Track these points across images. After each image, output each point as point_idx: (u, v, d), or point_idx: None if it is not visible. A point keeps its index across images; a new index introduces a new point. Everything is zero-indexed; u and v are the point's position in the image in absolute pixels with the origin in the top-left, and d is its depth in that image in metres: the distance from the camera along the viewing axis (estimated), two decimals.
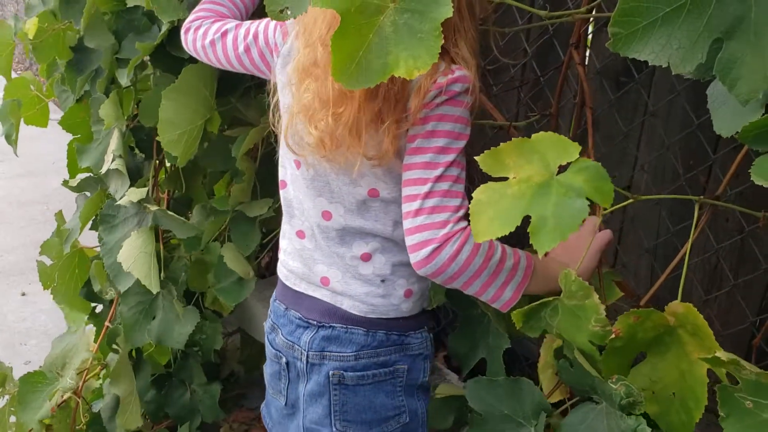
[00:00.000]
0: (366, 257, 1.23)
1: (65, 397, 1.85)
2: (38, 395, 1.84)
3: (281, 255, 1.36)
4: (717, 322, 1.62)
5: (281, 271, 1.36)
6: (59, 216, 2.03)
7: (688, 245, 1.03)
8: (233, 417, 2.23)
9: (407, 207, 1.10)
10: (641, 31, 0.80)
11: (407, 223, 1.10)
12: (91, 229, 1.91)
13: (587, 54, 1.70)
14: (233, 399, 2.28)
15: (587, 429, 1.05)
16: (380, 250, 1.23)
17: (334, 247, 1.25)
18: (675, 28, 0.79)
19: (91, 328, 1.95)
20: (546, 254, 0.94)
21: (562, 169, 0.95)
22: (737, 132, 0.86)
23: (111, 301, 1.89)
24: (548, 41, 1.76)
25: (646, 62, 0.97)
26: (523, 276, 1.12)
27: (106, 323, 1.82)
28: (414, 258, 1.09)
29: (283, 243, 1.35)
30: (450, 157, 1.09)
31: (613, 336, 0.99)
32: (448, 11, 0.89)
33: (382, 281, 1.24)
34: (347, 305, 1.25)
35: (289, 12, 1.07)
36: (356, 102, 1.10)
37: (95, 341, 1.85)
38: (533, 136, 0.97)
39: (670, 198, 1.66)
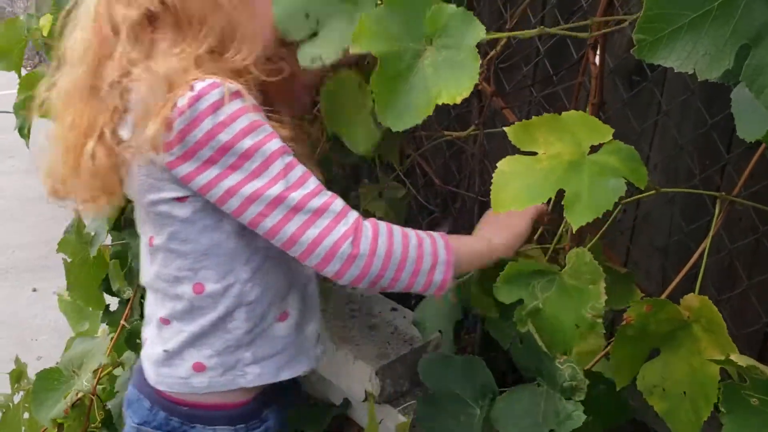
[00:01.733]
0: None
1: (79, 395, 1.86)
2: (53, 393, 1.85)
3: None
4: (730, 322, 1.62)
5: None
6: (77, 213, 2.04)
7: (708, 241, 1.04)
8: None
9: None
10: (667, 38, 0.80)
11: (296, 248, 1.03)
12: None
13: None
14: None
15: (521, 410, 1.04)
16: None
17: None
18: (701, 34, 0.78)
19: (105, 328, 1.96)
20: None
21: (593, 149, 0.95)
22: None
23: (127, 301, 1.90)
24: (561, 39, 1.76)
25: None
26: (447, 254, 1.07)
27: (122, 322, 1.83)
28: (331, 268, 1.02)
29: None
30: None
31: (624, 323, 0.98)
32: (481, 31, 0.92)
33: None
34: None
35: (322, 60, 1.08)
36: None
37: (111, 340, 1.86)
38: (564, 114, 0.96)
39: (683, 197, 1.66)
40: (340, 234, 1.01)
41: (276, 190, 1.00)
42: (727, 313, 1.63)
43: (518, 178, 0.94)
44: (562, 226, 1.12)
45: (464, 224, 2.18)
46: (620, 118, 1.73)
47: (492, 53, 1.35)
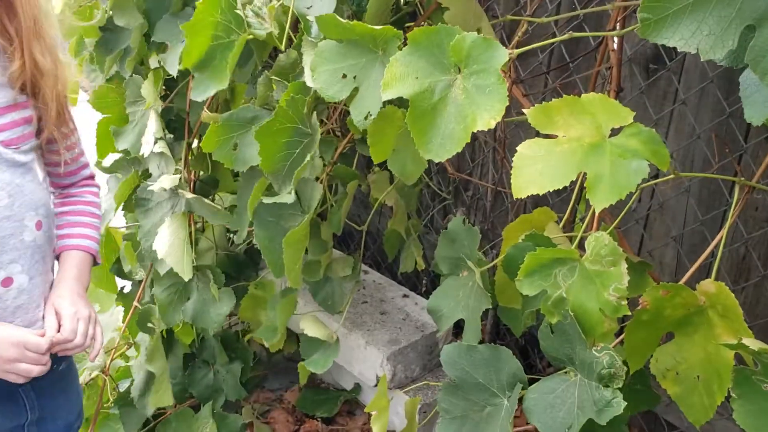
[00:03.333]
0: None
1: (93, 375, 1.87)
2: None
3: None
4: (744, 312, 1.60)
5: None
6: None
7: (725, 230, 1.02)
8: (254, 398, 2.26)
9: None
10: (671, 17, 0.80)
11: None
12: (123, 210, 1.93)
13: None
14: (255, 380, 2.30)
15: (555, 399, 1.02)
16: None
17: None
18: (706, 14, 0.78)
19: (119, 309, 1.97)
20: None
21: (613, 132, 0.94)
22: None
23: (140, 281, 1.91)
24: (578, 26, 1.74)
25: (677, 49, 0.97)
26: None
27: (135, 303, 1.84)
28: None
29: None
30: None
31: (639, 308, 0.97)
32: (504, 55, 0.95)
33: None
34: None
35: (371, 115, 1.12)
36: None
37: (123, 321, 1.87)
38: (583, 96, 0.95)
39: (699, 186, 1.64)
40: None
41: None
42: (741, 302, 1.62)
43: (538, 161, 0.93)
44: (588, 214, 1.10)
45: (477, 212, 2.17)
46: (637, 106, 1.71)
47: (513, 41, 1.35)
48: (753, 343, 0.86)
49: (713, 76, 1.54)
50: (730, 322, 0.95)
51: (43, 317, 1.30)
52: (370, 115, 1.12)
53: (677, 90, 1.65)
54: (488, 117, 0.93)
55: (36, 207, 1.29)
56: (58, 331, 1.27)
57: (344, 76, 1.15)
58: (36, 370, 1.22)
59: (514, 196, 0.93)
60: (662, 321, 0.99)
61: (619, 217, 1.11)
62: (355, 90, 1.14)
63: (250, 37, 1.29)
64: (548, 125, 0.95)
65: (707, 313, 0.97)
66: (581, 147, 0.92)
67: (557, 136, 0.95)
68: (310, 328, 1.71)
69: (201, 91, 1.35)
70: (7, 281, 1.24)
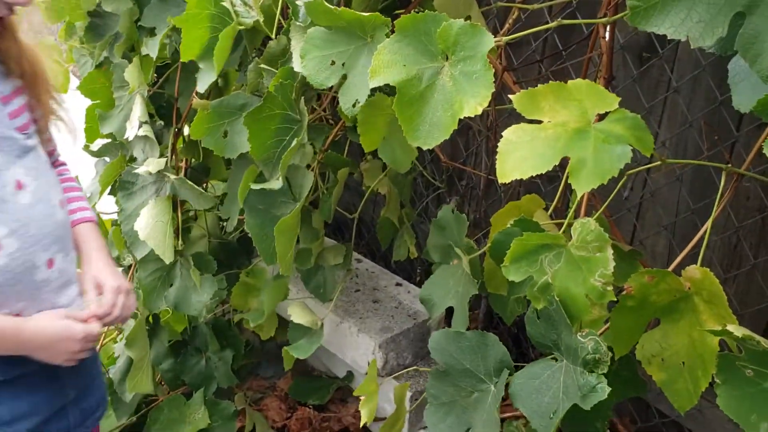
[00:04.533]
0: None
1: None
2: None
3: None
4: (735, 301, 1.61)
5: None
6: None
7: (712, 218, 1.02)
8: (247, 385, 2.26)
9: None
10: (660, 5, 0.80)
11: None
12: (109, 194, 1.92)
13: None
14: (248, 368, 2.30)
15: (541, 384, 1.03)
16: None
17: None
18: (695, 1, 0.78)
19: None
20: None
21: (599, 118, 0.94)
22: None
23: (129, 267, 1.91)
24: (571, 14, 1.73)
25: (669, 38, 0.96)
26: None
27: None
28: None
29: None
30: None
31: (624, 293, 0.97)
32: (490, 41, 0.95)
33: None
34: None
35: (359, 102, 1.13)
36: None
37: None
38: (570, 82, 0.95)
39: (691, 175, 1.64)
40: None
41: None
42: (732, 291, 1.62)
43: (523, 146, 0.93)
44: (576, 201, 1.10)
45: (470, 201, 2.17)
46: (629, 94, 1.71)
47: (504, 29, 1.34)
48: (737, 330, 0.86)
49: (706, 64, 1.54)
50: (716, 308, 0.95)
51: (80, 293, 1.31)
52: (358, 102, 1.12)
53: (670, 78, 1.64)
54: (474, 103, 0.93)
55: (55, 186, 1.30)
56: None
57: (333, 63, 1.15)
58: (86, 353, 1.25)
59: (499, 181, 0.93)
60: (648, 307, 0.99)
61: (606, 202, 1.11)
62: (344, 77, 1.14)
63: (241, 27, 1.29)
64: (534, 111, 0.95)
65: (693, 300, 0.97)
66: (566, 132, 0.92)
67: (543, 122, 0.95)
68: (296, 315, 1.72)
69: (205, 81, 1.36)
70: (51, 262, 1.24)
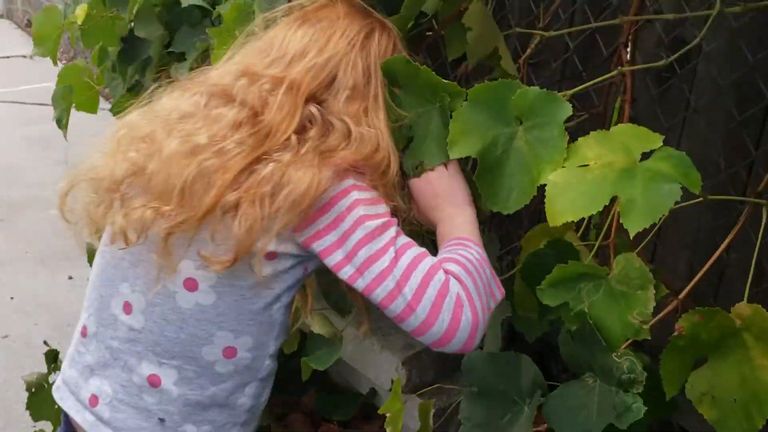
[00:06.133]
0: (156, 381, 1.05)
1: None
2: None
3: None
4: None
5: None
6: None
7: (730, 238, 1.03)
8: (272, 401, 2.28)
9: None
10: None
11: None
12: None
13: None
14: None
15: (576, 404, 1.03)
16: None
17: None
18: None
19: None
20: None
21: (644, 157, 0.95)
22: None
23: None
24: (590, 36, 1.76)
25: (688, 58, 0.98)
26: (482, 255, 1.05)
27: None
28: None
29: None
30: None
31: (675, 334, 0.97)
32: (568, 109, 0.98)
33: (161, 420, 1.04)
34: None
35: (424, 167, 1.12)
36: None
37: None
38: (612, 128, 0.98)
39: (710, 193, 1.65)
40: None
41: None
42: None
43: (571, 188, 0.94)
44: (606, 223, 1.12)
45: (492, 218, 2.19)
46: (649, 115, 1.73)
47: (527, 53, 1.37)
48: None
49: (724, 85, 1.56)
50: (767, 344, 0.95)
51: None
52: (423, 167, 1.12)
53: (689, 99, 1.66)
54: (550, 169, 0.96)
55: None
56: None
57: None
58: None
59: (550, 224, 0.94)
60: (697, 345, 0.99)
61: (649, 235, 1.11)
62: (409, 139, 1.14)
63: None
64: (581, 161, 0.97)
65: (742, 336, 0.97)
66: (612, 172, 0.93)
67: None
68: (317, 326, 1.74)
69: None
70: None
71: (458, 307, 0.97)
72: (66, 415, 1.13)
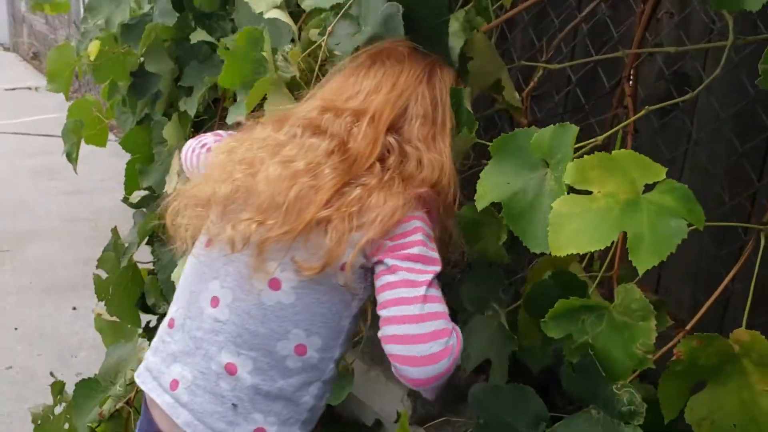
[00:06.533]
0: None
1: (118, 406, 1.91)
2: (91, 401, 1.91)
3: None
4: None
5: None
6: (115, 231, 2.11)
7: (736, 269, 1.04)
8: None
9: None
10: None
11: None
12: (146, 244, 1.99)
13: None
14: None
15: None
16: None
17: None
18: None
19: (143, 341, 2.02)
20: None
21: (647, 188, 0.95)
22: None
23: (164, 315, 1.96)
24: (592, 69, 1.79)
25: (689, 90, 0.99)
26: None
27: None
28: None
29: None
30: None
31: (674, 359, 0.98)
32: (574, 130, 1.02)
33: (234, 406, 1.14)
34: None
35: None
36: None
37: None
38: (614, 152, 0.98)
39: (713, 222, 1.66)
40: None
41: None
42: None
43: (575, 218, 0.94)
44: (610, 253, 1.12)
45: None
46: (651, 146, 1.75)
47: (530, 86, 1.40)
48: None
49: (725, 117, 1.58)
50: (766, 370, 0.95)
51: None
52: None
53: (690, 130, 1.68)
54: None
55: None
56: None
57: None
58: None
59: (553, 254, 0.94)
60: (695, 370, 0.99)
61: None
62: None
63: (275, 78, 1.37)
64: (583, 182, 0.97)
65: (741, 362, 0.97)
66: (617, 203, 0.93)
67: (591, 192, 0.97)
68: None
69: (234, 114, 1.43)
70: None
71: (447, 351, 1.07)
72: (145, 405, 1.25)
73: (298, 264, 1.12)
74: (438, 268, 1.12)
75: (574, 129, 1.01)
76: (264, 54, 1.36)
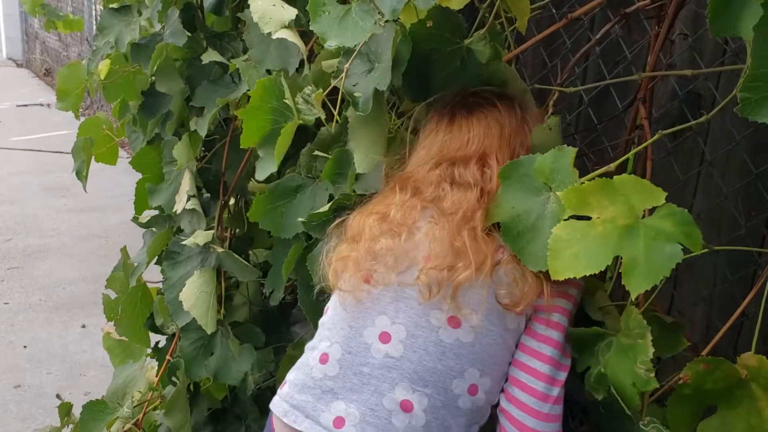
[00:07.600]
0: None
1: (126, 428, 1.90)
2: (99, 423, 1.90)
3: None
4: None
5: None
6: (124, 251, 2.11)
7: (751, 295, 1.03)
8: None
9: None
10: None
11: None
12: (155, 264, 1.98)
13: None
14: None
15: None
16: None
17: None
18: None
19: (151, 361, 2.01)
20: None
21: (647, 213, 0.96)
22: None
23: (172, 336, 1.95)
24: (605, 89, 1.78)
25: (702, 111, 0.98)
26: None
27: (168, 357, 1.88)
28: None
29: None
30: None
31: (680, 382, 0.98)
32: (572, 151, 1.04)
33: None
34: None
35: None
36: None
37: (157, 375, 1.91)
38: (615, 178, 0.97)
39: (728, 245, 1.65)
40: None
41: None
42: None
43: (574, 243, 0.95)
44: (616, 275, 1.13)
45: None
46: (664, 167, 1.74)
47: (542, 107, 1.39)
48: None
49: (739, 138, 1.56)
50: None
51: None
52: None
53: (703, 151, 1.67)
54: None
55: None
56: None
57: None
58: None
59: (552, 278, 0.95)
60: (704, 394, 0.99)
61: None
62: None
63: (301, 122, 1.35)
64: (582, 207, 0.97)
65: (750, 387, 0.97)
66: (615, 229, 0.93)
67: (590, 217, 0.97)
68: None
69: (265, 170, 1.41)
70: None
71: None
72: None
73: (505, 305, 1.13)
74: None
75: (572, 150, 1.01)
76: (285, 101, 1.34)
